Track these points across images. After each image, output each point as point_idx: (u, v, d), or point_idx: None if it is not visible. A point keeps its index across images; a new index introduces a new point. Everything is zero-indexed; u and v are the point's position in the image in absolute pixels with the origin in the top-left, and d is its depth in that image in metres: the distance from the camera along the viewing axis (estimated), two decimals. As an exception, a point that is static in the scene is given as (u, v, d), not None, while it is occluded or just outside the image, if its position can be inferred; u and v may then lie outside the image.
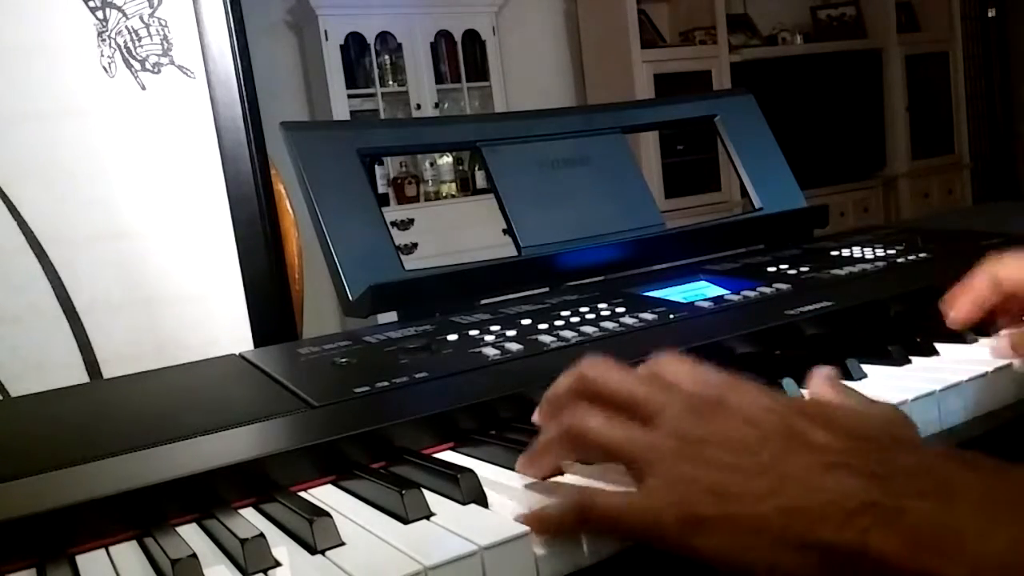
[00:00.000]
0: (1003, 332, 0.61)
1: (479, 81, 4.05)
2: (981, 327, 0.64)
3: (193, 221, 1.01)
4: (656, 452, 0.40)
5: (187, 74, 1.00)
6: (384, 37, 3.86)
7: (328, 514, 0.43)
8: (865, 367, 0.59)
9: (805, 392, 0.53)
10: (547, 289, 0.92)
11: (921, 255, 0.89)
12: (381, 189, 3.85)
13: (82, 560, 0.44)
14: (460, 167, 4.09)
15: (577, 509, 0.41)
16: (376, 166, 3.83)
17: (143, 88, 0.99)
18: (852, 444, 0.39)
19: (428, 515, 0.43)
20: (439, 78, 3.98)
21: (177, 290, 1.00)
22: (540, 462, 0.46)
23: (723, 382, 0.44)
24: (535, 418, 0.49)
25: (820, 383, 0.50)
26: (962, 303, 0.64)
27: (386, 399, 0.59)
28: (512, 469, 0.49)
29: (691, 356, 0.46)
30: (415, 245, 3.77)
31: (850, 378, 0.58)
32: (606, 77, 4.24)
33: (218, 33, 1.00)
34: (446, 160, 4.05)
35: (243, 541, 0.40)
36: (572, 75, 4.49)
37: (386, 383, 0.61)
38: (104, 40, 0.97)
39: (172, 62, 0.99)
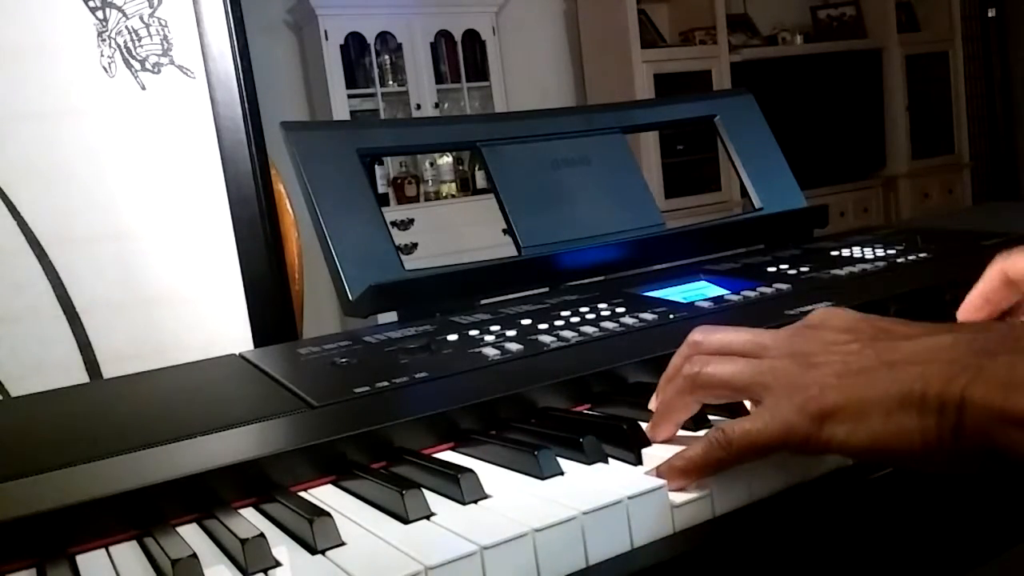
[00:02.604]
0: None
1: (479, 81, 4.05)
2: None
3: (193, 222, 1.01)
4: (772, 373, 0.45)
5: (187, 74, 1.00)
6: (384, 37, 3.86)
7: (328, 514, 0.43)
8: (865, 367, 0.59)
9: None
10: (547, 289, 0.92)
11: (921, 255, 0.89)
12: (381, 189, 3.85)
13: (82, 560, 0.44)
14: (460, 167, 4.09)
15: (719, 444, 0.44)
16: (376, 166, 3.83)
17: (143, 88, 0.99)
18: (934, 327, 0.44)
19: (428, 515, 0.43)
20: (439, 78, 3.98)
21: (177, 290, 1.00)
22: (668, 418, 0.49)
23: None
24: (652, 404, 0.53)
25: None
26: (972, 298, 0.63)
27: (386, 399, 0.59)
28: (512, 469, 0.49)
29: None
30: (415, 245, 3.77)
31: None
32: (606, 77, 4.24)
33: (218, 33, 1.00)
34: (446, 160, 4.04)
35: (243, 541, 0.40)
36: (572, 75, 4.49)
37: (386, 383, 0.61)
38: (104, 40, 0.97)
39: (172, 62, 0.99)
